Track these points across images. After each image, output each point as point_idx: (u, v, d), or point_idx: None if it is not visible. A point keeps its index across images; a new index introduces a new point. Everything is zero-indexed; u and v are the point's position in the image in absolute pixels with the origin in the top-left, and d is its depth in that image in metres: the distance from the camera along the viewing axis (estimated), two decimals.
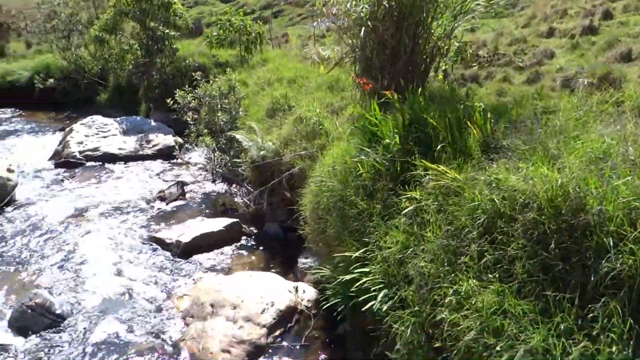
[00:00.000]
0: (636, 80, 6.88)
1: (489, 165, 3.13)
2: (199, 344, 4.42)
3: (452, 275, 2.74)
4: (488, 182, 2.90)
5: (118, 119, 11.55)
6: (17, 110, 14.85)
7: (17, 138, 12.09)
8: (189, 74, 11.27)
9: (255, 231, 6.90)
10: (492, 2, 5.06)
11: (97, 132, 10.90)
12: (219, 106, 8.38)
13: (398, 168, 3.78)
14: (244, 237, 6.72)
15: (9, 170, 8.23)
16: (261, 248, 6.46)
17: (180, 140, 10.77)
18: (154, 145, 10.59)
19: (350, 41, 5.50)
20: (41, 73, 15.03)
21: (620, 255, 2.20)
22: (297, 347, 4.46)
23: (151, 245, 6.53)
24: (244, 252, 6.38)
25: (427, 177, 3.38)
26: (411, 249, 3.14)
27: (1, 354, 4.46)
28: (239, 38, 12.45)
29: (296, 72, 9.13)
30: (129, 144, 10.62)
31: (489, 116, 3.58)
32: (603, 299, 2.17)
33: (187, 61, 12.44)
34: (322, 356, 4.35)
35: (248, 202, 7.41)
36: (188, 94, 8.97)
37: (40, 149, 10.95)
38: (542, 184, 2.57)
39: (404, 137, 3.93)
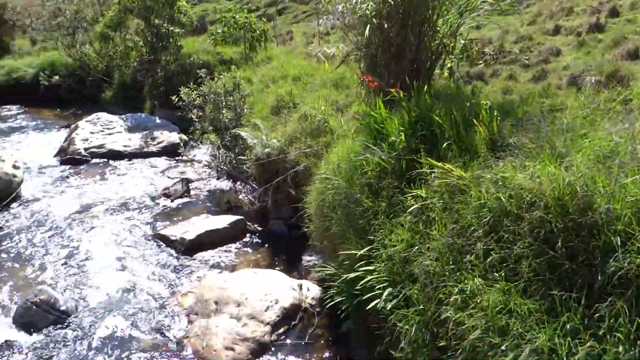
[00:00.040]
0: None
1: (495, 163, 3.11)
2: (203, 341, 4.43)
3: (458, 273, 2.73)
4: (494, 181, 2.89)
5: (123, 116, 11.57)
6: (23, 107, 14.91)
7: (23, 135, 12.14)
8: (193, 72, 11.27)
9: (259, 229, 6.90)
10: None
11: (102, 129, 10.93)
12: (223, 103, 8.37)
13: (403, 166, 3.77)
14: (248, 235, 6.72)
15: (15, 167, 8.26)
16: (265, 245, 6.46)
17: (185, 137, 10.78)
18: (158, 143, 10.60)
19: (355, 39, 5.48)
20: (46, 70, 15.07)
21: (627, 255, 2.19)
22: (301, 344, 4.46)
23: (155, 242, 6.54)
24: (249, 250, 6.38)
25: (432, 175, 3.37)
26: (416, 247, 3.13)
27: (6, 350, 4.48)
28: (243, 35, 12.45)
29: (301, 69, 9.12)
30: (134, 141, 10.64)
31: (495, 114, 3.56)
32: (610, 299, 2.16)
33: (192, 58, 12.44)
34: (326, 354, 4.34)
35: (252, 200, 7.41)
36: (193, 91, 8.97)
37: (46, 145, 10.99)
38: (549, 183, 2.55)
39: (410, 135, 3.92)
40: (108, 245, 6.42)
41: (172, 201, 7.87)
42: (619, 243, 2.22)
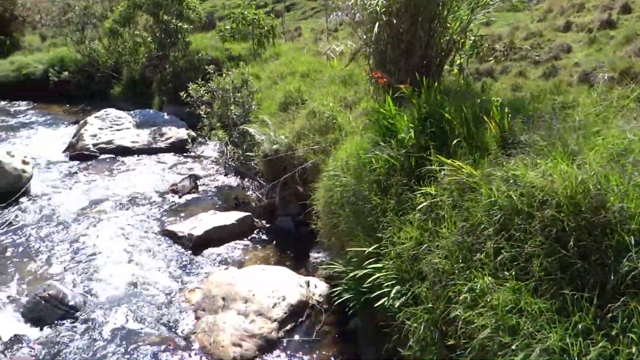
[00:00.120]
0: None
1: (506, 160, 3.08)
2: (210, 337, 4.43)
3: (467, 272, 2.70)
4: (505, 178, 2.85)
5: (131, 112, 11.59)
6: (32, 102, 14.98)
7: (32, 130, 12.20)
8: (202, 68, 11.29)
9: (267, 225, 6.89)
10: None
11: (110, 125, 10.96)
12: (231, 100, 8.37)
13: (413, 163, 3.74)
14: (256, 231, 6.72)
15: (24, 162, 8.31)
16: (273, 242, 6.46)
17: (193, 133, 10.79)
18: (167, 139, 10.62)
19: (364, 35, 5.45)
20: (56, 66, 15.14)
21: None
22: (308, 341, 4.45)
23: (163, 238, 6.55)
24: (256, 246, 6.38)
25: (442, 173, 3.34)
26: (425, 245, 3.11)
27: (15, 345, 4.51)
28: (251, 31, 12.43)
29: (309, 65, 9.08)
30: (142, 137, 10.67)
31: (506, 111, 3.52)
32: (623, 299, 2.13)
33: (200, 54, 12.44)
34: (333, 351, 4.33)
35: (260, 196, 7.41)
36: (201, 87, 8.98)
37: (55, 141, 11.04)
38: (561, 181, 2.52)
39: (419, 132, 3.88)
40: (116, 240, 6.44)
41: (180, 197, 7.88)
42: (632, 242, 2.19)
